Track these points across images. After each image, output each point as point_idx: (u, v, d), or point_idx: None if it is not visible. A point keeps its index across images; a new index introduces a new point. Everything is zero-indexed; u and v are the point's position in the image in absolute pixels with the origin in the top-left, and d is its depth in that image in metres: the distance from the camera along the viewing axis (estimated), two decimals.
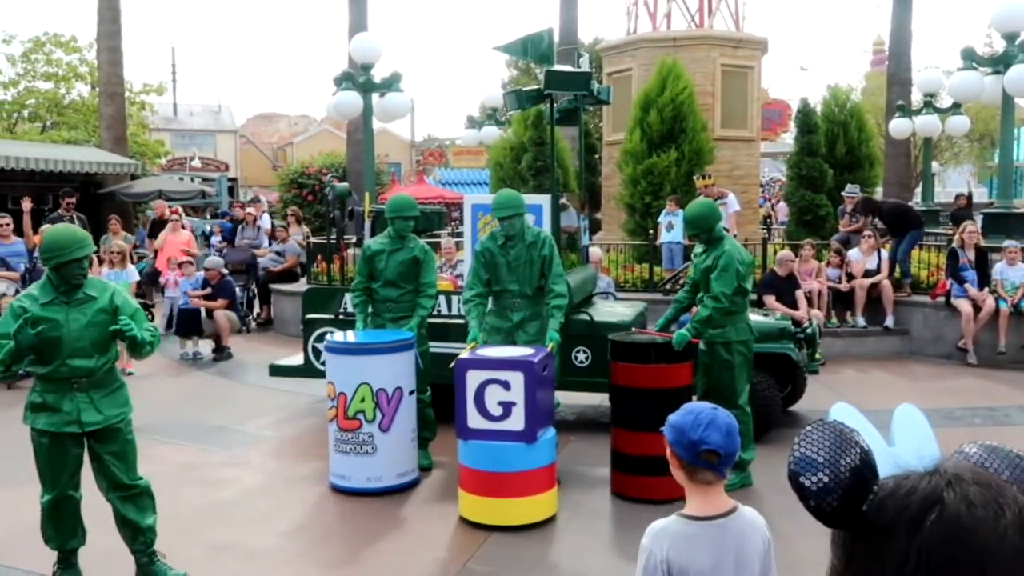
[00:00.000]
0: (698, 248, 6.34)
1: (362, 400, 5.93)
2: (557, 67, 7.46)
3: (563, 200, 7.88)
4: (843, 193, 12.51)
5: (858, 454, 1.04)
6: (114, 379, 4.53)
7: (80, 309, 4.32)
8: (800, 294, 9.94)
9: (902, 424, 1.14)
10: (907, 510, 0.97)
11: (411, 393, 6.14)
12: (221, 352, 10.89)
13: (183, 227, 13.77)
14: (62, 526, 4.51)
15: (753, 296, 10.36)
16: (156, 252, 13.46)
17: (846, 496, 1.02)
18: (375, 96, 12.26)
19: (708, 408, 2.43)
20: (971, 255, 10.28)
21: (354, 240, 13.09)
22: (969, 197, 18.69)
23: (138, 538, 4.57)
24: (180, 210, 15.18)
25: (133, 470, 4.62)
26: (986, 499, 0.95)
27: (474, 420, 5.35)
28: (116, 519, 4.57)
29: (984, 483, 0.97)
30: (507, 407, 5.28)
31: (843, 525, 1.04)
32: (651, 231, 12.25)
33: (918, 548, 0.94)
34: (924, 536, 0.94)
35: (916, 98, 17.49)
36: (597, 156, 18.35)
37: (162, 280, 12.56)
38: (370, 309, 6.71)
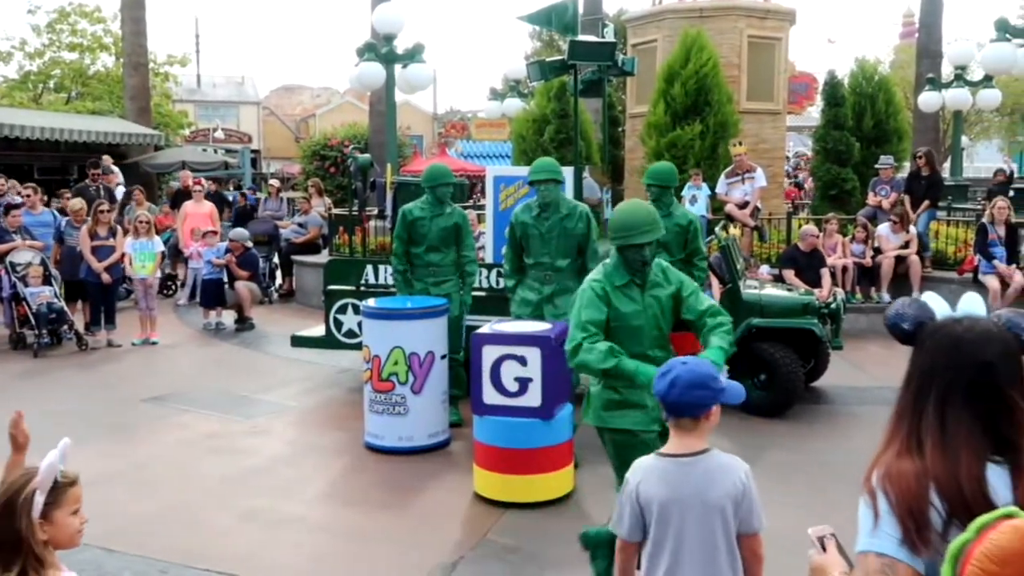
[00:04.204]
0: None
1: (395, 363, 6.13)
2: (581, 37, 7.39)
3: (585, 174, 7.84)
4: (877, 165, 12.30)
5: (927, 313, 1.82)
6: None
7: (652, 293, 3.85)
8: (825, 272, 9.83)
9: (965, 303, 1.85)
10: (930, 331, 1.79)
11: (443, 357, 6.31)
12: (243, 323, 10.97)
13: (205, 199, 13.81)
14: None
15: (776, 271, 10.33)
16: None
17: (913, 328, 1.81)
18: (397, 67, 12.20)
19: (677, 362, 2.70)
20: (1001, 231, 10.13)
21: (376, 212, 13.10)
22: (1010, 175, 18.35)
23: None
24: (203, 181, 15.24)
25: None
26: (974, 328, 1.75)
27: (490, 396, 5.31)
28: None
29: (977, 321, 1.77)
30: (523, 383, 5.24)
31: (907, 343, 1.82)
32: None
33: (928, 352, 1.78)
34: (930, 343, 1.78)
35: (946, 71, 17.20)
36: (620, 129, 18.18)
37: (186, 252, 12.66)
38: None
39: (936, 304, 1.83)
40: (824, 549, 1.91)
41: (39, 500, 2.27)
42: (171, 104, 30.03)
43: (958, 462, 1.65)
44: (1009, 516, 1.47)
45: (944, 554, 1.50)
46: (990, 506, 1.58)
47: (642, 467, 2.71)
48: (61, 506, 2.32)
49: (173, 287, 13.54)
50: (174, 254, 13.53)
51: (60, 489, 2.32)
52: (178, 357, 9.63)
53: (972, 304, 1.83)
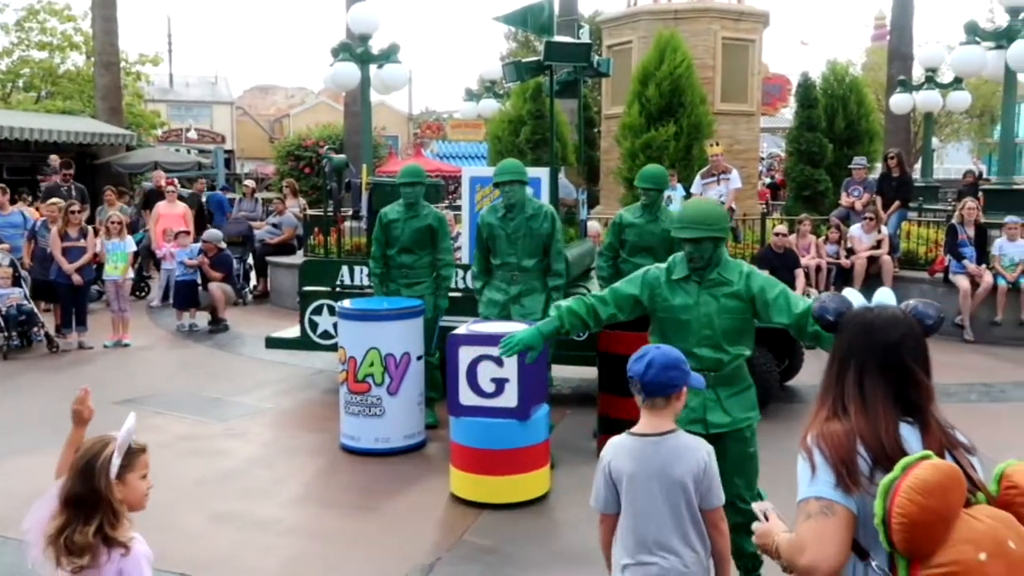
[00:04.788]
0: (635, 214, 6.78)
1: (371, 364, 6.11)
2: (557, 38, 7.40)
3: (561, 175, 7.85)
4: (851, 166, 12.41)
5: (845, 304, 2.14)
6: (743, 378, 3.80)
7: (712, 292, 3.68)
8: (799, 272, 9.91)
9: (879, 295, 2.18)
10: (847, 319, 2.11)
11: (419, 358, 6.30)
12: (217, 324, 10.88)
13: (179, 199, 13.68)
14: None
15: None
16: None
17: (835, 318, 2.13)
18: (373, 67, 12.15)
19: (654, 347, 2.96)
20: (970, 231, 10.26)
21: (351, 212, 13.04)
22: (979, 176, 18.55)
23: (738, 563, 3.84)
24: (176, 182, 15.10)
25: (752, 489, 3.81)
26: (883, 315, 2.07)
27: (466, 397, 5.30)
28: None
29: (886, 309, 2.09)
30: (500, 384, 5.23)
31: (831, 331, 2.15)
32: None
33: (846, 336, 2.09)
34: (848, 329, 2.10)
35: (917, 73, 17.37)
36: (596, 130, 18.25)
37: (158, 252, 12.53)
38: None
39: (854, 297, 2.16)
40: (767, 519, 2.26)
41: (116, 462, 2.51)
42: (143, 104, 29.73)
43: (877, 421, 1.98)
44: (927, 457, 1.85)
45: (872, 493, 1.87)
46: (905, 456, 1.89)
47: (615, 445, 2.95)
48: (133, 469, 2.60)
49: (146, 288, 13.40)
50: (147, 255, 13.39)
51: (133, 454, 2.60)
52: (151, 359, 9.53)
53: (884, 297, 2.17)
